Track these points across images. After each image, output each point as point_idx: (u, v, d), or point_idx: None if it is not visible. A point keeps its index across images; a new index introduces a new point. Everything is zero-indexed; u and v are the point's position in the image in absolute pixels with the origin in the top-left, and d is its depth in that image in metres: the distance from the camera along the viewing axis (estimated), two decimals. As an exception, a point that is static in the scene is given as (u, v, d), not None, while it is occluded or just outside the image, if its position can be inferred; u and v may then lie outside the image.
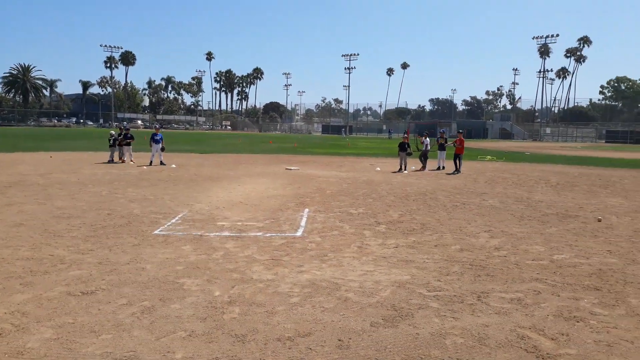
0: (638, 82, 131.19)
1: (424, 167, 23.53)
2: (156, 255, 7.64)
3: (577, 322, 5.29)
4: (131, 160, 24.04)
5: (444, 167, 23.84)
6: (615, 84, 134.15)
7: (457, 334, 4.94)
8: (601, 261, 7.78)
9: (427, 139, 24.28)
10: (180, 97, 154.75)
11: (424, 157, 23.72)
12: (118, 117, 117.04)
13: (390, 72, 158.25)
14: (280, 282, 6.46)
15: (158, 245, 8.22)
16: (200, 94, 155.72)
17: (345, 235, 9.35)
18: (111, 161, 23.90)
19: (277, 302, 5.73)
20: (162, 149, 23.32)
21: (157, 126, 26.04)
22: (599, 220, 11.14)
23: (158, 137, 23.22)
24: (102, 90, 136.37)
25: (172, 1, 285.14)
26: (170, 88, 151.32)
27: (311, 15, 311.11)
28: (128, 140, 24.26)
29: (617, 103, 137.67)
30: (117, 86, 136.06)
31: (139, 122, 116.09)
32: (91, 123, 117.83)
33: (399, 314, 5.44)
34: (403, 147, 22.82)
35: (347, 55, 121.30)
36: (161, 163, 22.83)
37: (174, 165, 22.67)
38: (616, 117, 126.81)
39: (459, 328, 5.10)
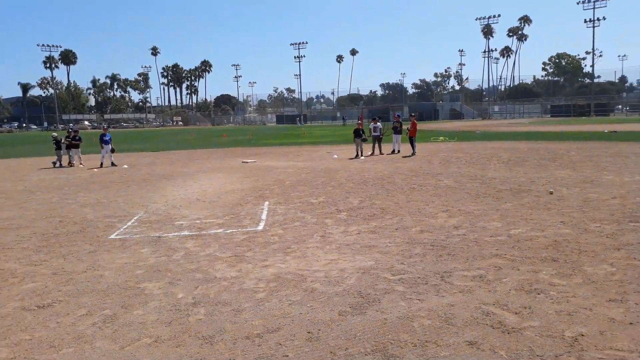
0: (577, 57, 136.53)
1: (381, 152, 23.73)
2: (114, 260, 7.39)
3: (538, 294, 5.45)
4: (80, 164, 23.21)
5: (399, 151, 24.13)
6: (557, 60, 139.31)
7: (424, 316, 5.00)
8: (556, 232, 8.04)
9: (379, 123, 24.47)
10: (127, 94, 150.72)
11: (378, 142, 23.95)
12: (63, 119, 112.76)
13: (339, 59, 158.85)
14: (244, 279, 6.37)
15: (115, 250, 7.96)
16: (148, 90, 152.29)
17: (307, 225, 9.32)
18: (60, 165, 22.99)
19: (243, 299, 5.65)
20: (112, 150, 22.67)
21: (105, 126, 25.22)
22: (551, 193, 11.53)
23: (107, 138, 22.60)
24: (44, 92, 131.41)
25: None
26: (116, 86, 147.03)
27: (257, 4, 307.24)
28: (76, 142, 23.38)
29: (559, 78, 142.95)
30: (59, 87, 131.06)
31: (86, 122, 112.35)
32: (35, 127, 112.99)
33: (366, 301, 5.46)
34: (358, 134, 23.03)
35: (296, 43, 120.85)
36: (112, 164, 22.18)
37: (125, 166, 22.04)
38: (559, 92, 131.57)
39: (426, 310, 5.16)
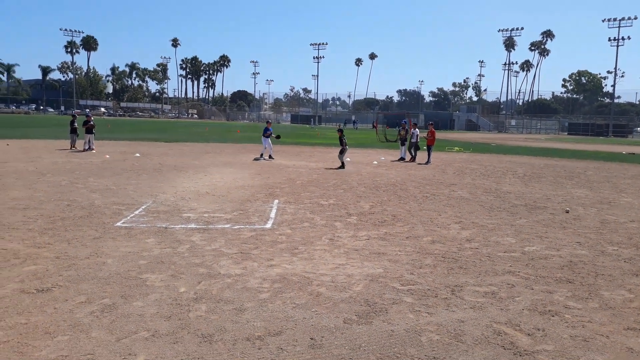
0: (598, 76, 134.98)
1: (413, 158, 23.33)
2: (118, 248, 7.27)
3: (552, 316, 5.22)
4: (93, 149, 23.25)
5: (403, 159, 23.83)
6: (577, 78, 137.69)
7: (433, 330, 4.80)
8: (571, 253, 7.79)
9: (417, 129, 24.02)
10: (145, 84, 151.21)
11: (414, 148, 23.55)
12: (80, 104, 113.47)
13: (358, 62, 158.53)
14: (249, 277, 6.21)
15: (120, 238, 7.84)
16: (166, 81, 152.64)
17: (316, 227, 9.14)
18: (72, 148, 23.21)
19: (246, 299, 5.48)
20: (278, 137, 23.05)
21: (269, 120, 24.89)
22: (567, 212, 11.25)
23: (269, 132, 22.37)
24: (63, 76, 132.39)
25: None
26: (134, 75, 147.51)
27: (279, 3, 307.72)
28: (90, 126, 23.46)
29: (578, 96, 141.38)
30: (78, 72, 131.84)
31: (102, 109, 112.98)
32: (52, 110, 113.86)
33: (372, 310, 5.27)
34: (341, 143, 20.63)
35: (316, 44, 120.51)
36: (270, 157, 22.16)
37: (137, 154, 22.02)
38: (577, 109, 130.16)
39: (434, 324, 4.96)
